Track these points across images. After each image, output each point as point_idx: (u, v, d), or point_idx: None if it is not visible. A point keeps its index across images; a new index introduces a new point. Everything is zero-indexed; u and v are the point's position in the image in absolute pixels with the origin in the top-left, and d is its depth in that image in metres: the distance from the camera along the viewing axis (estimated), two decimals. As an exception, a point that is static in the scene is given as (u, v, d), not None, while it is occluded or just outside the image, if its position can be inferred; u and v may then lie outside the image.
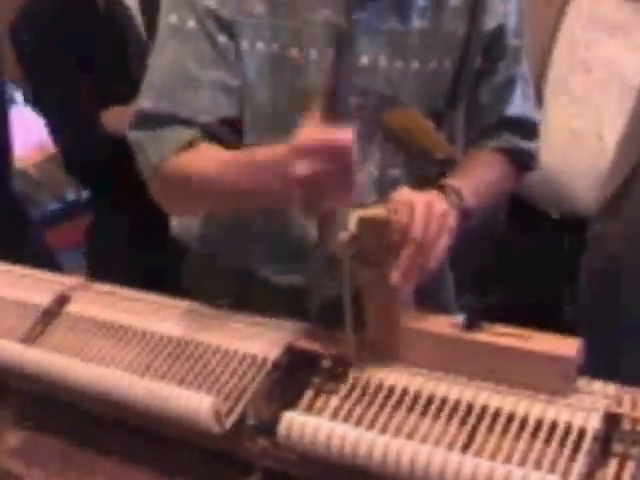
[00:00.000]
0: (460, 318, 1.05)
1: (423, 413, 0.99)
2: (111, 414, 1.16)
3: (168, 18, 1.24)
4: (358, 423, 1.00)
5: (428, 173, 1.30)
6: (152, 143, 1.22)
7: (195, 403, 1.05)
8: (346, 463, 0.95)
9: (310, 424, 0.98)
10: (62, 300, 1.33)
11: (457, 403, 0.99)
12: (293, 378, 1.09)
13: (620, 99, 1.56)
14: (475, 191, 1.23)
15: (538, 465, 0.90)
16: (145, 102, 1.24)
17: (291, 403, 1.05)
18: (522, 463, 0.91)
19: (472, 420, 0.97)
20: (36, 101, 2.29)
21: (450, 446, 0.94)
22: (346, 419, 1.01)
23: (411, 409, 1.00)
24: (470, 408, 0.98)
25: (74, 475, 1.14)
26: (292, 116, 1.17)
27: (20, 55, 2.16)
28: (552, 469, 0.90)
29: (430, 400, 1.00)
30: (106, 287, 1.35)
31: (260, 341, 1.15)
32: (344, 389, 1.05)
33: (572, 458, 0.90)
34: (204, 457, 1.09)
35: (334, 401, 1.04)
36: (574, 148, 1.60)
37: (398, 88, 1.25)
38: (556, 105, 1.47)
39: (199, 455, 1.09)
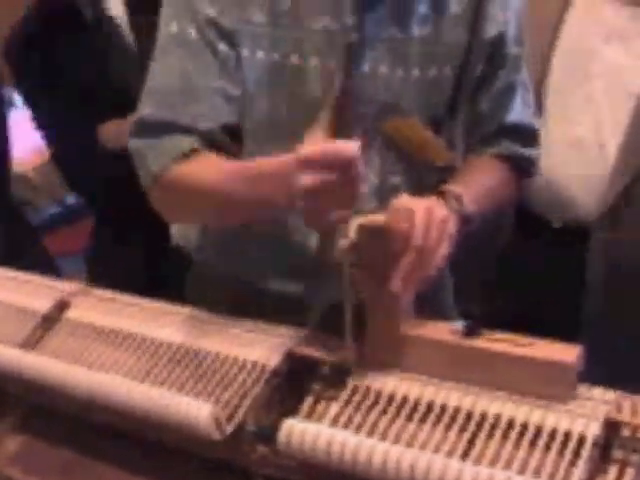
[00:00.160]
0: (460, 325, 1.05)
1: (423, 420, 0.99)
2: (110, 421, 1.16)
3: (169, 27, 1.24)
4: (358, 430, 1.00)
5: (428, 181, 1.30)
6: (152, 152, 1.22)
7: (195, 410, 1.04)
8: (346, 470, 0.95)
9: (310, 431, 0.98)
10: (62, 306, 1.33)
11: (457, 410, 0.99)
12: (293, 385, 1.09)
13: (620, 106, 1.56)
14: (475, 197, 1.23)
15: (538, 472, 0.90)
16: (145, 110, 1.24)
17: (291, 410, 1.05)
18: (522, 470, 0.91)
19: (472, 427, 0.96)
20: (34, 119, 2.30)
21: (450, 453, 0.94)
22: (346, 426, 1.01)
23: (411, 416, 1.00)
24: (470, 415, 0.98)
25: (72, 482, 1.14)
26: (292, 124, 1.17)
27: (13, 71, 2.18)
28: (552, 476, 0.90)
29: (430, 407, 1.00)
30: (106, 293, 1.35)
31: (260, 348, 1.14)
32: (344, 396, 1.05)
33: (572, 465, 0.90)
34: (204, 465, 1.09)
35: (334, 408, 1.04)
36: (575, 157, 1.60)
37: (398, 96, 1.25)
38: (556, 113, 1.47)
39: (199, 463, 1.09)
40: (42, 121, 2.26)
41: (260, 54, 1.22)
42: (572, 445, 0.92)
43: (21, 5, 2.17)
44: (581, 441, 0.92)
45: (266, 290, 1.34)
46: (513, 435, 0.94)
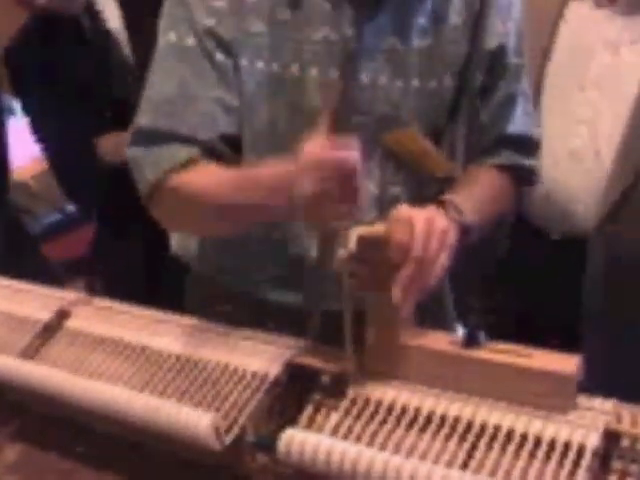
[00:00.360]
0: (460, 332, 1.05)
1: (422, 430, 0.99)
2: (110, 430, 1.16)
3: (167, 36, 1.24)
4: (358, 440, 1.00)
5: (428, 191, 1.30)
6: (149, 161, 1.22)
7: (195, 419, 1.05)
8: (346, 480, 0.95)
9: (310, 441, 0.98)
10: (62, 315, 1.33)
11: (456, 420, 0.99)
12: (293, 395, 1.09)
13: (615, 115, 1.56)
14: (475, 207, 1.23)
15: (537, 482, 0.91)
16: (143, 119, 1.24)
17: (291, 419, 1.05)
18: (522, 480, 0.91)
19: (471, 437, 0.97)
20: (32, 128, 2.29)
21: (449, 463, 0.95)
22: (346, 436, 1.01)
23: (411, 426, 1.00)
24: (469, 425, 0.98)
25: (71, 491, 1.14)
26: (291, 134, 1.17)
27: (13, 79, 2.18)
28: (552, 486, 0.90)
29: (429, 417, 1.00)
30: (106, 302, 1.35)
31: (260, 357, 1.15)
32: (344, 405, 1.05)
33: (571, 475, 0.90)
34: (204, 474, 1.09)
35: (334, 417, 1.04)
36: (572, 167, 1.60)
37: (398, 106, 1.25)
38: (552, 123, 1.47)
39: (198, 472, 1.09)
40: (40, 130, 2.26)
41: (259, 64, 1.23)
42: (572, 455, 0.92)
43: (21, 15, 2.17)
44: (581, 451, 0.92)
45: (265, 300, 1.34)
46: (513, 445, 0.95)
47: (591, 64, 1.60)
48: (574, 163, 1.60)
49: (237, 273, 1.36)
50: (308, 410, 1.06)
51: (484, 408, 0.99)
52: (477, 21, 1.27)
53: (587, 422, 0.95)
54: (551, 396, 0.97)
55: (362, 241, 1.04)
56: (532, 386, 0.98)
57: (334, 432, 1.02)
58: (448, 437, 0.98)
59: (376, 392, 1.05)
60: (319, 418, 1.05)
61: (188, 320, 1.27)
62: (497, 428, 0.97)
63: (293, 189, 1.01)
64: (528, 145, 1.38)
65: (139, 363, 1.20)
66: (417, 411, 1.01)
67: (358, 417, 1.03)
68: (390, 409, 1.03)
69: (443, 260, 1.06)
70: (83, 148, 2.14)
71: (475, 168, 1.36)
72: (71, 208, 3.44)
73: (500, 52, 1.30)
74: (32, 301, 1.39)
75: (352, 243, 1.03)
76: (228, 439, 1.05)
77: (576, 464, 0.91)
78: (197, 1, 1.21)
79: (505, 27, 1.29)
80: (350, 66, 1.21)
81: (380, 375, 1.07)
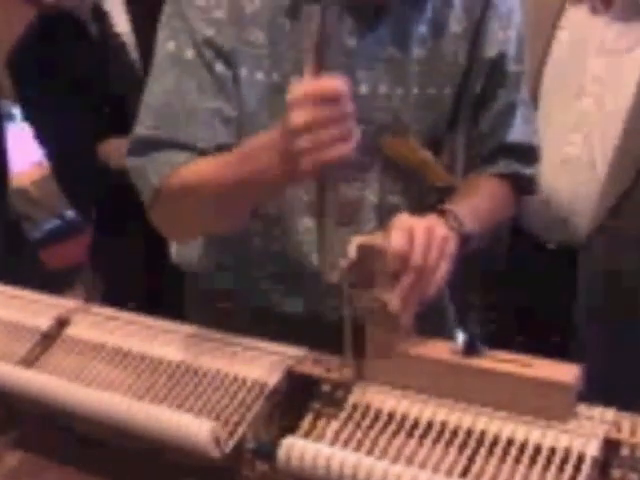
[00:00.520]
0: (459, 344, 1.05)
1: (422, 438, 0.99)
2: (110, 437, 1.16)
3: (166, 46, 1.24)
4: (358, 448, 1.00)
5: (428, 201, 1.30)
6: (151, 166, 1.22)
7: (194, 428, 1.05)
8: (345, 489, 0.95)
9: (310, 449, 0.98)
10: (61, 323, 1.33)
11: (456, 428, 0.99)
12: (293, 403, 1.09)
13: (610, 124, 1.56)
14: (475, 216, 1.23)
15: (537, 491, 0.91)
16: (142, 129, 1.24)
17: (291, 428, 1.05)
18: (521, 489, 0.91)
19: (471, 445, 0.97)
20: (36, 135, 2.29)
21: (449, 471, 0.95)
22: (345, 444, 1.01)
23: (410, 434, 1.00)
24: (469, 433, 0.98)
25: (71, 498, 1.14)
26: None
27: (15, 83, 2.17)
28: (551, 495, 0.90)
29: (429, 425, 1.00)
30: (106, 310, 1.35)
31: (260, 366, 1.15)
32: (344, 414, 1.05)
33: (571, 483, 0.91)
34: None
35: (334, 426, 1.04)
36: (566, 175, 1.59)
37: (398, 115, 1.26)
38: (547, 132, 1.47)
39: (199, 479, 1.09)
40: (40, 128, 2.25)
41: (259, 75, 1.23)
42: (571, 464, 0.92)
43: (21, 20, 2.18)
44: (580, 460, 0.92)
45: (265, 306, 1.34)
46: (512, 454, 0.95)
47: (587, 71, 1.60)
48: (568, 172, 1.60)
49: (237, 281, 1.36)
50: (308, 418, 1.06)
51: (484, 417, 0.99)
52: (477, 29, 1.27)
53: (587, 431, 0.95)
54: (551, 405, 0.97)
55: (362, 250, 1.04)
56: (532, 395, 0.98)
57: (334, 440, 1.02)
58: (448, 445, 0.98)
59: (376, 400, 1.05)
60: (319, 426, 1.05)
61: (188, 328, 1.27)
62: (497, 437, 0.97)
63: (287, 138, 0.99)
64: (528, 154, 1.38)
65: (139, 371, 1.20)
66: (417, 419, 1.01)
67: (358, 425, 1.03)
68: (390, 417, 1.03)
69: (443, 269, 1.06)
70: (82, 146, 2.13)
71: (475, 177, 1.36)
72: (70, 214, 3.45)
73: (500, 60, 1.30)
74: (31, 309, 1.39)
75: (352, 252, 1.04)
76: (228, 447, 1.05)
77: (575, 473, 0.91)
78: (196, 11, 1.21)
79: (505, 35, 1.29)
80: (350, 76, 1.21)
81: (380, 383, 1.07)
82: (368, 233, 1.07)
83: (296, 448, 0.99)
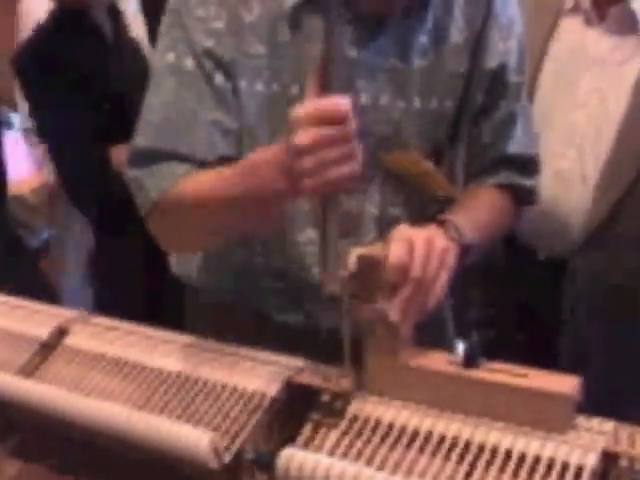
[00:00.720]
0: (459, 355, 1.05)
1: (421, 449, 0.99)
2: (109, 447, 1.16)
3: (165, 56, 1.24)
4: (356, 459, 1.00)
5: (429, 212, 1.30)
6: (150, 178, 1.22)
7: (193, 438, 1.05)
8: (345, 499, 0.95)
9: (309, 460, 0.98)
10: (60, 332, 1.33)
11: (455, 440, 0.99)
12: (292, 413, 1.09)
13: (602, 138, 1.56)
14: (474, 226, 1.23)
15: (536, 503, 0.91)
16: (141, 140, 1.24)
17: (290, 438, 1.05)
18: (520, 501, 0.91)
19: (470, 457, 0.97)
20: (42, 134, 2.27)
21: (448, 483, 0.95)
22: (345, 455, 1.01)
23: (409, 445, 1.00)
24: (468, 445, 0.98)
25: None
26: None
27: (25, 87, 2.15)
28: (550, 507, 0.90)
29: (429, 436, 1.00)
30: (105, 320, 1.35)
31: (259, 376, 1.15)
32: (343, 425, 1.05)
33: (570, 495, 0.91)
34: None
35: (333, 437, 1.04)
36: (559, 189, 1.60)
37: (399, 126, 1.26)
38: (540, 143, 1.47)
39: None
40: (51, 136, 2.23)
41: (259, 85, 1.23)
42: (570, 475, 0.92)
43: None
44: (579, 471, 0.92)
45: (267, 318, 1.34)
46: (511, 465, 0.94)
47: (580, 83, 1.60)
48: (561, 184, 1.60)
49: (237, 291, 1.36)
50: (307, 429, 1.06)
51: (483, 428, 0.99)
52: (478, 40, 1.27)
53: (585, 442, 0.95)
54: (550, 416, 0.97)
55: (362, 261, 1.04)
56: (531, 406, 0.98)
57: (333, 451, 1.02)
58: (447, 456, 0.98)
59: (375, 411, 1.05)
60: (318, 437, 1.05)
61: (187, 338, 1.27)
62: (495, 448, 0.97)
63: (289, 156, 0.99)
64: (528, 165, 1.39)
65: (138, 381, 1.20)
66: (416, 430, 1.01)
67: (357, 436, 1.03)
68: (389, 428, 1.03)
69: (442, 281, 1.06)
70: (91, 147, 2.11)
71: (475, 187, 1.36)
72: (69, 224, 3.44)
73: (501, 71, 1.30)
74: (30, 318, 1.38)
75: (352, 263, 1.04)
76: (227, 458, 1.05)
77: (574, 484, 0.91)
78: (195, 22, 1.22)
79: (506, 46, 1.30)
80: (350, 87, 1.21)
81: (379, 394, 1.07)
82: (368, 245, 1.07)
83: (295, 458, 0.99)
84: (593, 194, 1.56)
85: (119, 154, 2.02)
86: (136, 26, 2.13)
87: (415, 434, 1.01)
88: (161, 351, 1.24)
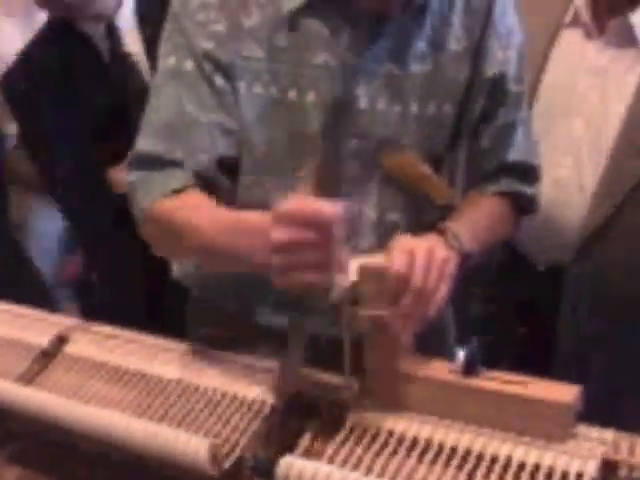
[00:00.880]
0: (459, 364, 1.05)
1: (420, 458, 0.99)
2: (108, 455, 1.16)
3: (167, 61, 1.25)
4: (356, 468, 1.00)
5: (428, 218, 1.30)
6: (143, 187, 1.23)
7: (193, 445, 1.04)
8: (344, 508, 0.95)
9: (308, 468, 0.98)
10: (60, 340, 1.33)
11: (454, 448, 0.99)
12: (291, 421, 1.09)
13: (600, 148, 1.57)
14: (474, 234, 1.23)
15: (535, 511, 0.91)
16: (142, 144, 1.25)
17: (289, 446, 1.05)
18: (519, 509, 0.91)
19: (469, 465, 0.97)
20: (33, 157, 2.19)
21: (448, 491, 0.95)
22: (344, 463, 1.01)
23: (409, 454, 1.00)
24: (467, 453, 0.98)
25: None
26: (290, 159, 1.17)
27: (13, 104, 2.09)
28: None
29: (428, 445, 1.00)
30: (105, 328, 1.35)
31: (259, 384, 1.15)
32: (342, 433, 1.05)
33: (570, 504, 0.91)
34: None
35: (332, 445, 1.04)
36: (557, 199, 1.60)
37: (397, 131, 1.26)
38: (540, 152, 1.48)
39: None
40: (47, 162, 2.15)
41: (258, 89, 1.23)
42: (570, 484, 0.92)
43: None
44: (578, 480, 0.92)
45: (267, 325, 1.34)
46: (510, 474, 0.94)
47: (579, 95, 1.60)
48: (557, 192, 1.60)
49: (237, 297, 1.36)
50: (306, 437, 1.06)
51: (482, 436, 1.00)
52: (477, 48, 1.28)
53: (585, 451, 0.95)
54: (549, 425, 0.97)
55: (363, 271, 1.05)
56: (530, 415, 0.98)
57: (332, 459, 1.02)
58: (446, 465, 0.98)
59: (374, 420, 1.05)
60: (317, 445, 1.05)
61: (187, 347, 1.27)
62: (495, 456, 0.97)
63: (268, 236, 0.98)
64: (529, 173, 1.39)
65: (138, 389, 1.21)
66: (415, 439, 1.01)
67: (356, 444, 1.03)
68: (388, 437, 1.03)
69: (443, 291, 1.06)
70: (90, 177, 2.06)
71: (475, 195, 1.36)
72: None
73: (500, 80, 1.31)
74: (30, 326, 1.39)
75: (353, 273, 1.04)
76: (226, 465, 1.05)
77: (574, 493, 0.91)
78: (195, 26, 1.23)
79: (505, 55, 1.30)
80: (348, 91, 1.22)
81: (379, 403, 1.08)
82: (367, 250, 1.07)
83: (294, 467, 0.99)
84: (590, 203, 1.56)
85: (117, 175, 1.97)
86: (132, 42, 2.02)
87: (414, 442, 1.01)
88: (161, 359, 1.25)
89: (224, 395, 1.15)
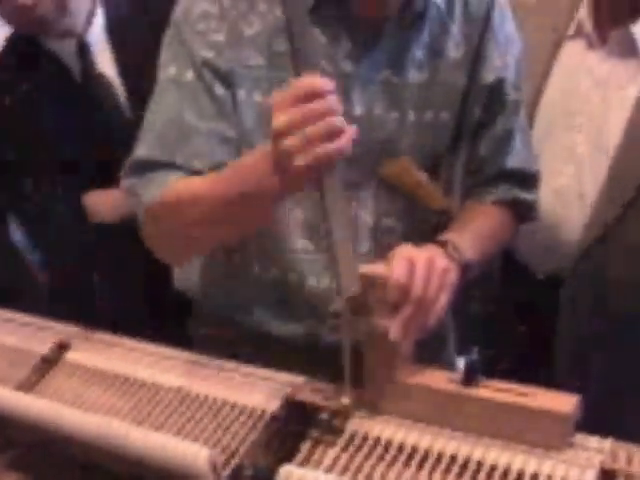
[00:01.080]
0: (458, 373, 1.06)
1: (420, 467, 0.99)
2: (107, 462, 1.16)
3: (167, 70, 1.26)
4: (355, 476, 1.00)
5: (424, 224, 1.31)
6: (144, 186, 1.24)
7: (192, 454, 1.04)
8: (343, 517, 0.96)
9: (307, 477, 0.98)
10: (61, 347, 1.33)
11: (454, 457, 0.99)
12: (291, 430, 1.09)
13: (601, 158, 1.57)
14: (474, 245, 1.24)
15: (534, 521, 0.91)
16: (141, 151, 1.26)
17: (288, 455, 1.05)
18: (518, 519, 0.91)
19: (468, 474, 0.97)
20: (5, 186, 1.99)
21: (446, 500, 0.95)
22: (343, 472, 1.01)
23: (408, 463, 1.00)
24: (466, 462, 0.98)
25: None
26: None
27: None
28: (548, 525, 0.90)
29: (427, 454, 1.00)
30: (106, 336, 1.36)
31: (259, 393, 1.15)
32: (342, 442, 1.05)
33: (568, 514, 0.91)
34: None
35: (331, 454, 1.04)
36: (557, 208, 1.60)
37: (394, 138, 1.27)
38: (540, 162, 1.48)
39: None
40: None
41: (257, 96, 1.24)
42: (568, 494, 0.92)
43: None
44: (577, 490, 0.92)
45: (266, 332, 1.34)
46: (509, 483, 0.95)
47: (579, 105, 1.61)
48: (557, 201, 1.61)
49: (237, 305, 1.36)
50: (306, 446, 1.06)
51: (481, 446, 1.00)
52: (476, 55, 1.29)
53: (583, 460, 0.95)
54: (548, 434, 0.98)
55: (363, 280, 1.05)
56: (529, 424, 0.99)
57: (331, 468, 1.02)
58: (445, 474, 0.98)
59: (374, 429, 1.06)
60: (317, 454, 1.05)
61: (188, 355, 1.27)
62: (494, 465, 0.97)
63: (272, 131, 1.00)
64: (527, 180, 1.40)
65: (138, 397, 1.21)
66: (414, 448, 1.02)
67: (356, 453, 1.03)
68: (388, 446, 1.03)
69: (443, 300, 1.07)
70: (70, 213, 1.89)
71: (474, 204, 1.37)
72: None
73: (498, 87, 1.31)
74: (31, 333, 1.39)
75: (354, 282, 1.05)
76: (225, 474, 1.05)
77: (572, 503, 0.92)
78: (195, 35, 1.24)
79: (503, 61, 1.31)
80: (346, 98, 1.22)
81: (378, 412, 1.08)
82: (364, 255, 1.08)
83: (294, 475, 0.98)
84: (591, 212, 1.57)
85: (94, 200, 1.86)
86: (104, 62, 1.85)
87: (414, 451, 1.01)
88: (161, 367, 1.25)
89: (224, 403, 1.15)
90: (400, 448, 1.02)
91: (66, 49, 1.81)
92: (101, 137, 1.82)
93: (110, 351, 1.31)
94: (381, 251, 1.15)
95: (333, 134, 0.99)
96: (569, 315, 1.60)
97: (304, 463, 1.04)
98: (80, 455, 1.18)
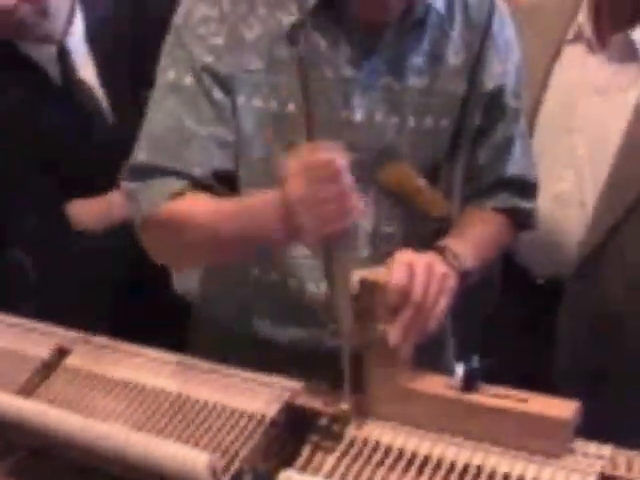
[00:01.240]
0: (457, 379, 1.06)
1: (419, 473, 0.99)
2: (107, 468, 1.16)
3: (166, 75, 1.26)
4: (354, 482, 1.00)
5: (423, 230, 1.31)
6: (143, 193, 1.24)
7: (192, 459, 1.04)
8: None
9: (307, 482, 0.99)
10: (61, 353, 1.33)
11: (453, 463, 0.99)
12: (291, 435, 1.09)
13: (600, 163, 1.57)
14: (473, 252, 1.24)
15: (534, 527, 0.91)
16: (139, 155, 1.26)
17: (288, 460, 1.06)
18: (517, 525, 0.91)
19: (468, 480, 0.97)
20: None
21: (446, 506, 0.95)
22: (343, 477, 1.01)
23: (407, 469, 1.00)
24: (466, 468, 0.98)
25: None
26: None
27: None
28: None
29: (426, 460, 1.01)
30: (106, 341, 1.36)
31: (258, 398, 1.15)
32: (341, 447, 1.05)
33: (567, 520, 0.91)
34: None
35: (331, 459, 1.04)
36: (557, 214, 1.60)
37: (394, 144, 1.27)
38: (540, 167, 1.48)
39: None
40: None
41: (257, 101, 1.24)
42: (568, 500, 0.92)
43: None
44: (577, 496, 0.92)
45: (267, 337, 1.34)
46: (509, 489, 0.95)
47: (580, 109, 1.61)
48: (558, 207, 1.60)
49: (237, 309, 1.36)
50: (305, 451, 1.06)
51: (480, 452, 1.00)
52: (476, 62, 1.29)
53: (583, 467, 0.95)
54: (547, 441, 0.98)
55: (363, 284, 1.05)
56: (528, 431, 0.99)
57: (331, 473, 1.02)
58: (445, 480, 0.98)
59: (373, 434, 1.06)
60: (316, 459, 1.05)
61: (187, 360, 1.27)
62: (493, 472, 0.97)
63: (286, 199, 1.03)
64: (527, 187, 1.40)
65: (137, 402, 1.21)
66: (414, 453, 1.02)
67: (355, 459, 1.03)
68: (387, 451, 1.03)
69: (442, 305, 1.07)
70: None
71: (473, 211, 1.37)
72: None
73: (498, 93, 1.32)
74: (32, 338, 1.39)
75: (353, 286, 1.05)
76: (225, 478, 1.05)
77: (572, 509, 0.92)
78: (195, 40, 1.24)
79: (503, 68, 1.31)
80: (346, 104, 1.23)
81: (378, 417, 1.08)
82: (364, 261, 1.08)
83: (293, 481, 0.99)
84: (591, 218, 1.57)
85: (77, 209, 1.80)
86: (85, 68, 1.79)
87: (413, 457, 1.01)
88: (161, 372, 1.25)
89: (224, 408, 1.15)
90: (400, 454, 1.02)
91: (45, 55, 1.76)
92: (83, 142, 1.77)
93: (110, 356, 1.31)
94: (380, 257, 1.15)
95: (346, 215, 1.03)
96: (568, 330, 1.60)
97: (304, 468, 1.04)
98: (80, 460, 1.18)
